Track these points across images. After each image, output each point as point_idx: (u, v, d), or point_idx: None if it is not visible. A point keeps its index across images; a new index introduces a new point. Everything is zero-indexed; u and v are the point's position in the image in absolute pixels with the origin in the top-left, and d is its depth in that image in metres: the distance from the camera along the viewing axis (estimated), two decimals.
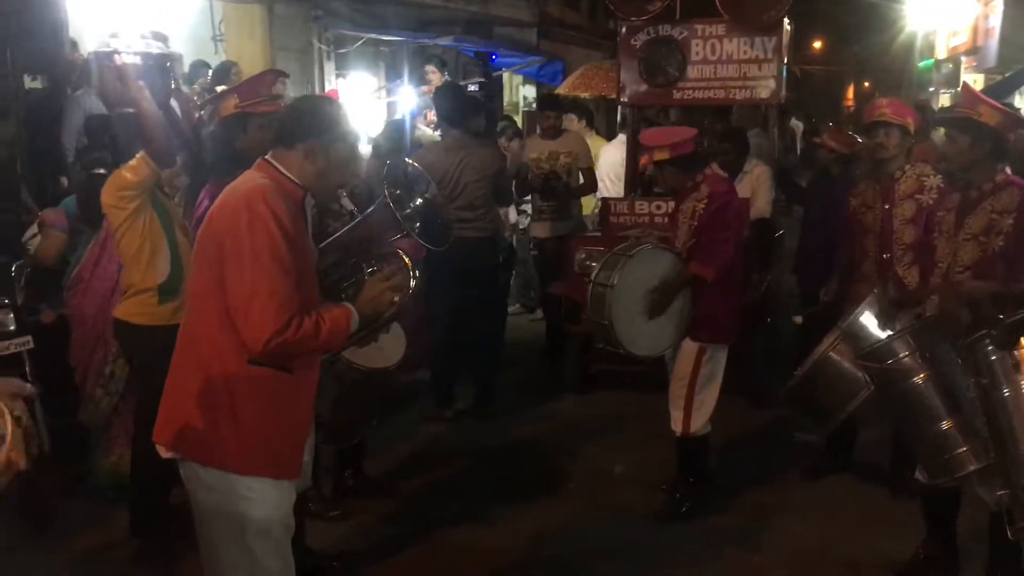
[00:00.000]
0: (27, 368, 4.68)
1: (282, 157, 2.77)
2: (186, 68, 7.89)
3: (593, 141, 7.97)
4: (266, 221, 2.59)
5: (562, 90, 11.37)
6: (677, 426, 4.54)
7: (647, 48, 6.36)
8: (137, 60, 3.85)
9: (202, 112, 7.04)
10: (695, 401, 4.49)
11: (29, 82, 6.72)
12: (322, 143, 2.76)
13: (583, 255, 6.01)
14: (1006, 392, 2.53)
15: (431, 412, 5.94)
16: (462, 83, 10.90)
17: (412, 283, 3.22)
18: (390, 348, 3.69)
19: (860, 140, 5.67)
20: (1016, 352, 2.48)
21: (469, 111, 6.09)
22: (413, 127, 8.20)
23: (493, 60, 12.91)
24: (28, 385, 2.07)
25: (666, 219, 5.53)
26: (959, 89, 4.20)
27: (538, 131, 7.28)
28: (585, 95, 10.75)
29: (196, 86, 7.41)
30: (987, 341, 2.51)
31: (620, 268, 4.32)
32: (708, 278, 4.37)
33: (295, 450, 2.85)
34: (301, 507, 3.35)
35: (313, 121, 2.79)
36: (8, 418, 1.84)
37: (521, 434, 5.74)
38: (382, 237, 3.40)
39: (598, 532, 4.44)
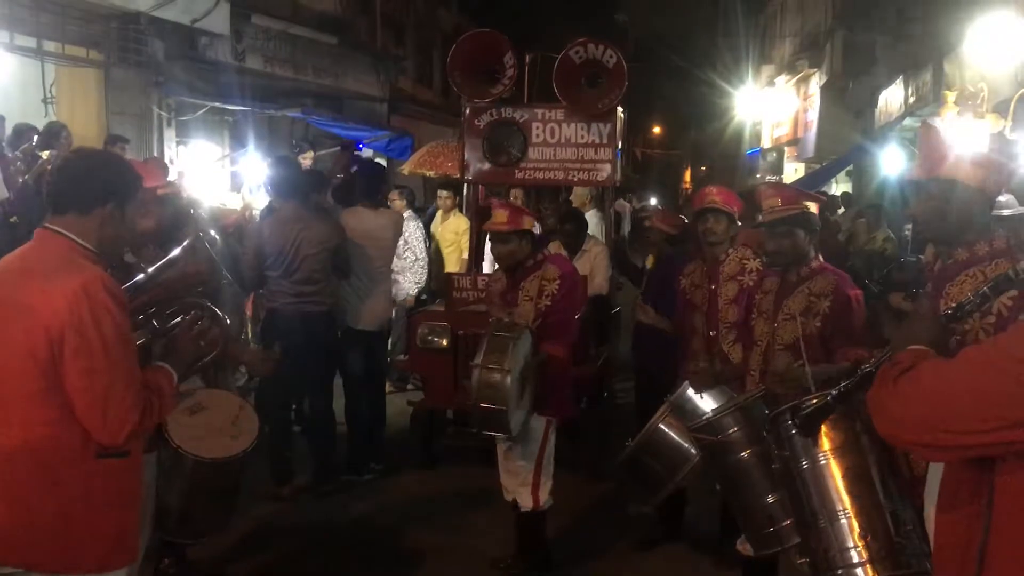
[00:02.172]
0: None
1: (73, 225, 2.51)
2: (8, 130, 7.51)
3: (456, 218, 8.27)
4: (110, 309, 2.42)
5: (406, 168, 11.44)
6: (526, 501, 4.55)
7: (490, 128, 6.53)
8: None
9: (26, 177, 6.73)
10: (542, 476, 4.55)
11: None
12: (121, 205, 2.56)
13: (425, 330, 6.02)
14: (804, 465, 2.69)
15: (269, 489, 5.72)
16: (323, 152, 10.89)
17: (220, 329, 3.04)
18: (245, 433, 3.50)
19: (686, 221, 6.00)
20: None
21: (306, 184, 6.04)
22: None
23: (359, 147, 12.94)
24: None
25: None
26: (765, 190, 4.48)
27: None
28: (429, 173, 10.82)
29: (20, 152, 7.05)
30: (787, 416, 2.66)
31: (510, 352, 4.21)
32: (561, 356, 4.46)
33: (137, 530, 2.71)
34: None
35: (112, 181, 2.57)
36: None
37: (358, 511, 5.60)
38: (192, 283, 3.24)
39: None
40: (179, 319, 2.95)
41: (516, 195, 8.25)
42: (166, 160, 10.08)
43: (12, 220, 6.31)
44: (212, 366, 3.27)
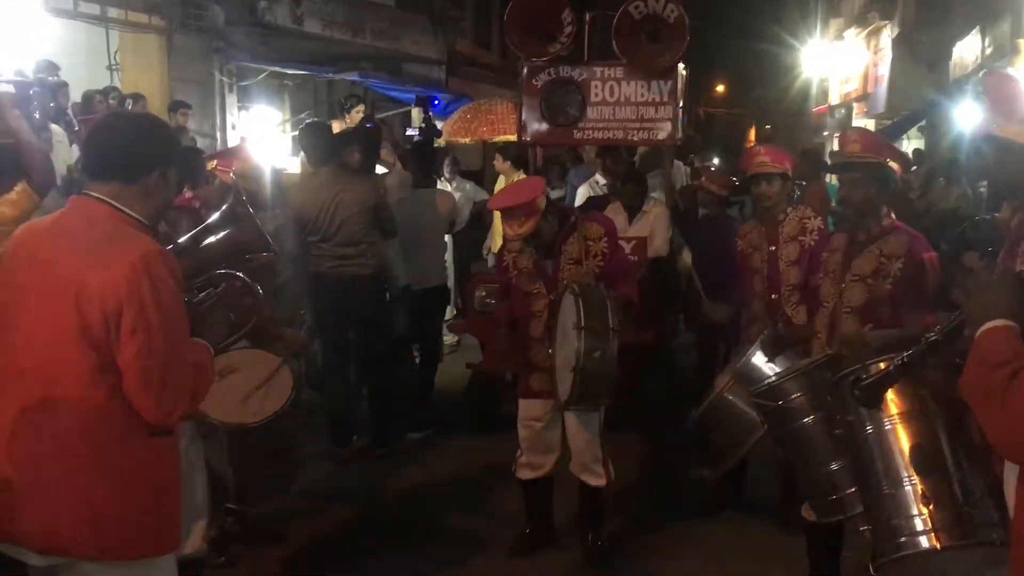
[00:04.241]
0: None
1: (119, 193, 2.39)
2: (78, 97, 7.66)
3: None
4: (169, 285, 2.33)
5: (444, 138, 11.20)
6: (598, 480, 4.41)
7: (548, 88, 6.43)
8: (11, 89, 3.68)
9: None
10: (604, 447, 4.44)
11: None
12: (166, 173, 2.45)
13: (483, 292, 6.00)
14: (868, 430, 2.60)
15: (328, 451, 5.81)
16: (384, 115, 10.85)
17: (258, 299, 2.96)
18: (273, 399, 3.48)
19: (736, 182, 5.87)
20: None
21: (338, 147, 6.01)
22: None
23: (435, 106, 12.80)
24: None
25: None
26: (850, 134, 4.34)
27: None
28: (465, 140, 10.54)
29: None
30: (852, 381, 2.57)
31: (611, 311, 3.96)
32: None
33: (181, 513, 2.61)
34: None
35: (160, 148, 2.48)
36: None
37: (413, 476, 5.64)
38: (232, 250, 3.10)
39: None
40: (209, 291, 2.80)
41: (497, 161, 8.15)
42: (228, 126, 10.22)
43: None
44: (252, 335, 3.19)
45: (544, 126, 6.54)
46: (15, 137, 3.70)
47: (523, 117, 6.63)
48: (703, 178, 5.99)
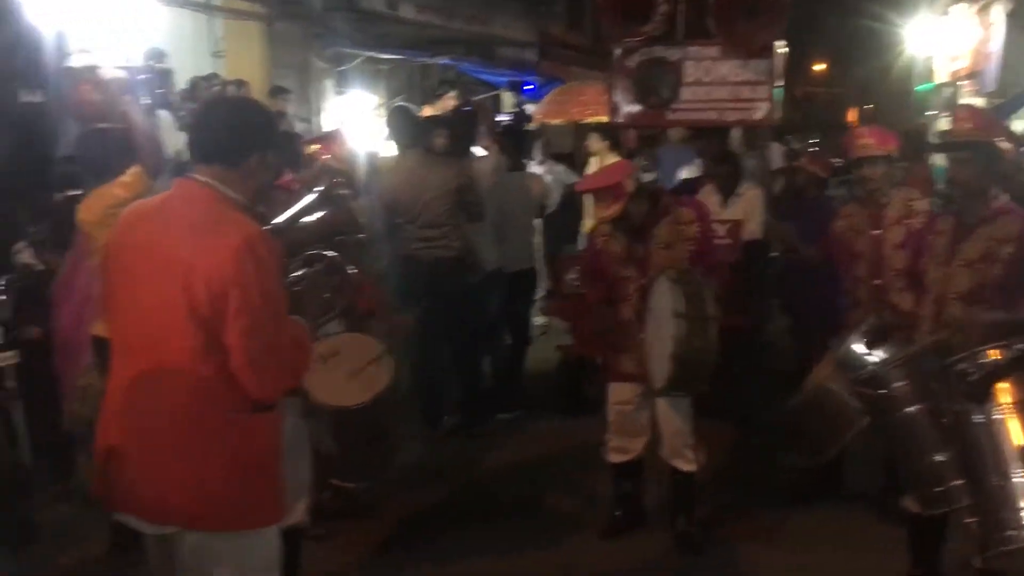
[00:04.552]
0: (9, 382, 4.67)
1: (221, 175, 2.44)
2: (182, 84, 7.92)
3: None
4: (272, 267, 2.39)
5: (535, 120, 11.16)
6: (689, 465, 4.39)
7: (641, 69, 6.35)
8: (123, 74, 3.84)
9: None
10: (695, 435, 4.40)
11: (25, 96, 6.72)
12: (266, 156, 2.49)
13: (573, 275, 5.98)
14: (978, 419, 2.50)
15: (419, 430, 5.91)
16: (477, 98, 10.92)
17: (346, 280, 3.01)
18: (377, 379, 3.53)
19: (836, 163, 5.69)
20: None
21: (423, 131, 6.08)
22: None
23: (529, 90, 12.82)
24: None
25: None
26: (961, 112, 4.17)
27: None
28: (556, 121, 10.52)
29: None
30: (960, 369, 2.48)
31: (707, 297, 3.97)
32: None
33: (284, 486, 2.67)
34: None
35: (261, 131, 2.52)
36: None
37: (501, 457, 5.69)
38: (326, 232, 3.17)
39: (586, 563, 4.38)
40: (305, 270, 2.85)
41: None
42: (325, 110, 10.44)
43: None
44: (346, 315, 3.24)
45: (636, 107, 6.47)
46: (128, 122, 3.87)
47: (614, 99, 6.58)
48: (803, 159, 5.82)
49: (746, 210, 6.21)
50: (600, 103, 10.99)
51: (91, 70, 3.93)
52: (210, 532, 2.45)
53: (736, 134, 8.22)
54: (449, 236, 5.77)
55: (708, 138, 6.98)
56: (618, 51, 6.42)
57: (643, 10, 6.14)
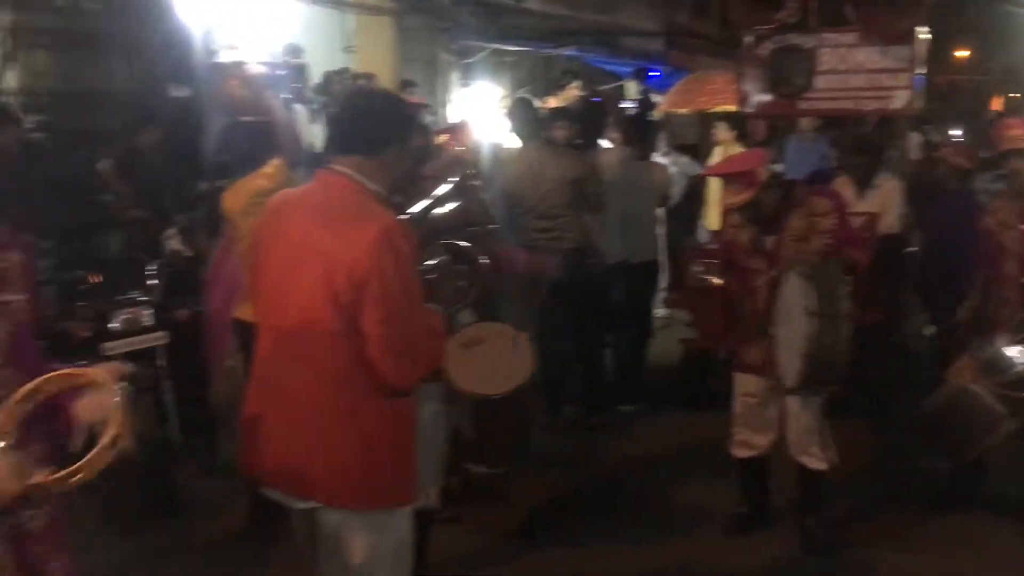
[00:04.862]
0: (160, 361, 4.96)
1: (361, 166, 2.49)
2: (316, 78, 8.19)
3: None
4: (408, 258, 2.45)
5: (661, 110, 11.02)
6: (819, 463, 4.25)
7: (773, 57, 6.21)
8: (265, 70, 4.01)
9: None
10: (826, 433, 4.27)
11: (175, 91, 7.08)
12: (403, 147, 2.55)
13: (698, 267, 5.88)
14: None
15: (542, 419, 5.95)
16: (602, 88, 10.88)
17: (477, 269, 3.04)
18: (519, 368, 3.51)
19: (981, 154, 5.43)
20: None
21: (542, 122, 6.11)
22: None
23: (654, 79, 12.68)
24: (127, 366, 2.06)
25: None
26: None
27: None
28: (683, 111, 10.38)
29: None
30: None
31: (839, 291, 3.91)
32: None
33: (417, 468, 2.73)
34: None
35: (400, 123, 2.57)
36: (115, 399, 1.90)
37: (621, 449, 5.68)
38: (459, 222, 3.18)
39: (706, 559, 4.33)
40: (439, 260, 2.91)
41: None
42: (451, 102, 10.60)
43: None
44: (479, 304, 3.28)
45: (767, 96, 6.33)
46: (270, 116, 4.04)
47: (744, 87, 6.45)
48: (945, 150, 5.56)
49: (883, 203, 5.98)
50: (728, 92, 10.77)
51: (238, 66, 4.12)
52: (347, 510, 2.54)
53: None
54: (564, 227, 5.78)
55: (843, 128, 6.74)
56: (749, 39, 6.30)
57: None
